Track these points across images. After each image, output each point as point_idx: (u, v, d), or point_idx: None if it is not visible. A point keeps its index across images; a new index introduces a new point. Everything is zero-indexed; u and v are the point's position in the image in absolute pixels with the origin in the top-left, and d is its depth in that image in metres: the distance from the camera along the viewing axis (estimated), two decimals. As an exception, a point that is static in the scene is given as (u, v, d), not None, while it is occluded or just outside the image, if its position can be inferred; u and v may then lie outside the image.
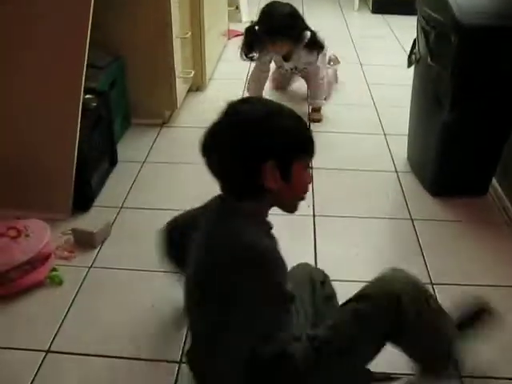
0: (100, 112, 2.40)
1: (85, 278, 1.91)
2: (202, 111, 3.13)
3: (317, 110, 3.15)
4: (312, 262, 1.95)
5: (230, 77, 3.64)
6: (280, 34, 2.94)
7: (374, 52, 4.29)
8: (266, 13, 3.01)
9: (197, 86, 3.40)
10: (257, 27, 3.02)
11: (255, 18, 3.09)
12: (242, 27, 3.36)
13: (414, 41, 2.50)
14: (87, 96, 2.28)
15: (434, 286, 1.89)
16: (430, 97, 2.32)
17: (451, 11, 2.04)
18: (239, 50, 3.11)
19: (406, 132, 2.70)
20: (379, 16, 5.34)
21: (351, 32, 4.83)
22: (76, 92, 2.12)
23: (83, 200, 2.26)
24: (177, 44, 2.85)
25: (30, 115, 2.15)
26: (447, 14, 2.07)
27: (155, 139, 2.85)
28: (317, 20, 4.84)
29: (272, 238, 1.30)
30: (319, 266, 1.94)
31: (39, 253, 1.88)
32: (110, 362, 1.60)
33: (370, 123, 3.09)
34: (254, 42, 3.05)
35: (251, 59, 3.14)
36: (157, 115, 2.97)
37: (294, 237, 2.06)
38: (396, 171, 2.61)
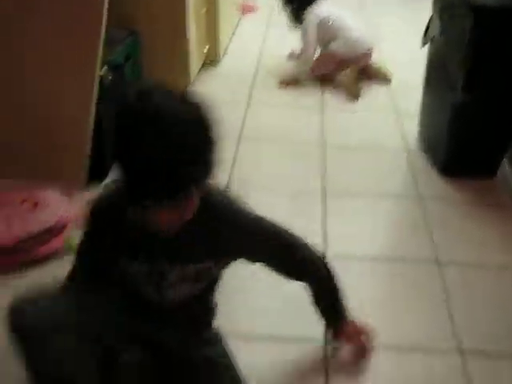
0: (115, 85, 2.43)
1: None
2: (215, 86, 3.16)
3: None
4: (321, 241, 2.00)
5: (243, 52, 3.66)
6: None
7: (389, 31, 4.27)
8: None
9: (211, 61, 3.42)
10: None
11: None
12: (255, 2, 3.37)
13: (429, 20, 2.51)
14: (103, 69, 2.31)
15: (440, 265, 1.93)
16: (443, 77, 2.34)
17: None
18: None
19: (418, 111, 2.72)
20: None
21: (366, 9, 4.81)
22: (92, 65, 2.15)
23: (98, 171, 2.31)
24: (192, 19, 2.87)
25: (47, 88, 2.18)
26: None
27: (169, 112, 2.87)
28: None
29: None
30: (329, 244, 1.99)
31: (56, 222, 1.94)
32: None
33: (382, 102, 3.11)
34: None
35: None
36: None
37: (303, 215, 2.11)
38: (407, 150, 2.64)
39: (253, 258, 1.35)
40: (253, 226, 1.30)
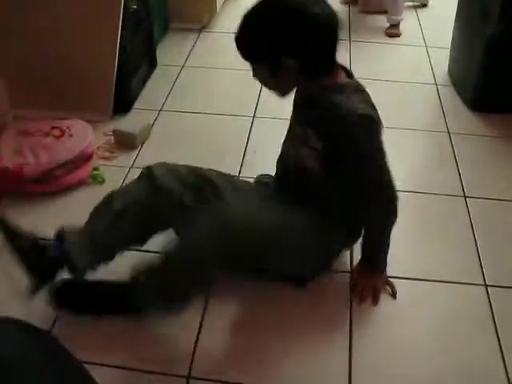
0: (140, 14, 2.39)
1: (125, 178, 1.98)
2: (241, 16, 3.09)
3: (394, 25, 3.07)
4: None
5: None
6: None
7: None
8: None
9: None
10: None
11: None
12: None
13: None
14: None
15: (467, 199, 1.92)
16: (477, 8, 2.25)
17: None
18: None
19: (449, 45, 2.64)
20: None
21: None
22: (117, -5, 2.12)
23: (123, 102, 2.31)
24: None
25: (73, 19, 2.15)
26: None
27: (194, 44, 2.84)
28: None
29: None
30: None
31: (82, 152, 1.95)
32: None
33: (411, 34, 3.03)
34: None
35: None
36: (196, 20, 2.95)
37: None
38: (436, 84, 2.58)
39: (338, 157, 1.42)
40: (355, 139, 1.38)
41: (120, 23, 2.13)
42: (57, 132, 1.99)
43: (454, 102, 2.46)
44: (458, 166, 2.08)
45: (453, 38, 2.61)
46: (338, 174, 1.46)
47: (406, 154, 2.15)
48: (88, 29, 2.16)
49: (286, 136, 1.59)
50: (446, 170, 2.06)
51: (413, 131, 2.27)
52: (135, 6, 2.34)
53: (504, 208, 1.90)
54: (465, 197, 1.93)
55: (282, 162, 1.63)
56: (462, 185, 1.98)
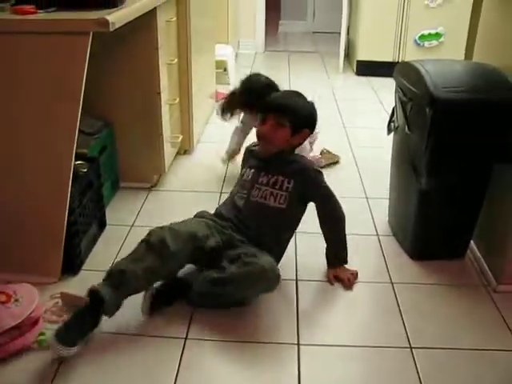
0: (90, 177, 2.49)
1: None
2: (189, 174, 3.24)
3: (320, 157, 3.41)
4: (295, 325, 2.03)
5: (218, 139, 3.74)
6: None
7: (358, 114, 4.46)
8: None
9: (185, 150, 3.52)
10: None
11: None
12: (229, 89, 3.48)
13: (393, 109, 2.63)
14: (78, 162, 2.37)
15: (413, 350, 1.96)
16: (408, 165, 2.43)
17: (426, 85, 2.18)
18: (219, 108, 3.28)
19: (388, 195, 2.81)
20: (363, 78, 5.55)
21: (335, 94, 5.02)
22: (67, 158, 2.18)
23: (72, 264, 2.33)
24: (165, 110, 2.98)
25: (22, 180, 2.22)
26: (422, 88, 2.21)
27: (143, 203, 2.94)
28: (302, 82, 5.06)
29: None
30: (301, 333, 2.02)
31: (28, 317, 1.94)
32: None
33: (352, 186, 3.21)
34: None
35: (225, 120, 3.30)
36: (145, 179, 3.08)
37: (276, 299, 2.15)
38: (377, 234, 2.71)
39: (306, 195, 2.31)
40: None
41: (70, 186, 2.20)
42: (2, 297, 1.98)
43: (395, 252, 2.57)
44: (402, 316, 2.13)
45: (390, 190, 2.79)
46: (297, 205, 2.30)
47: (350, 308, 2.20)
48: (37, 191, 2.22)
49: (241, 188, 2.33)
50: (390, 321, 2.12)
51: (355, 284, 2.35)
52: (85, 170, 2.44)
53: (451, 357, 1.94)
54: (411, 348, 1.97)
55: (236, 207, 2.29)
56: (407, 335, 2.03)
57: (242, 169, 2.47)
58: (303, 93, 2.46)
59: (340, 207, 2.32)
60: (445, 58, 2.53)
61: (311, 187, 2.29)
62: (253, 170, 2.35)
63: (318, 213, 2.33)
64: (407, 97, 2.37)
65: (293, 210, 2.29)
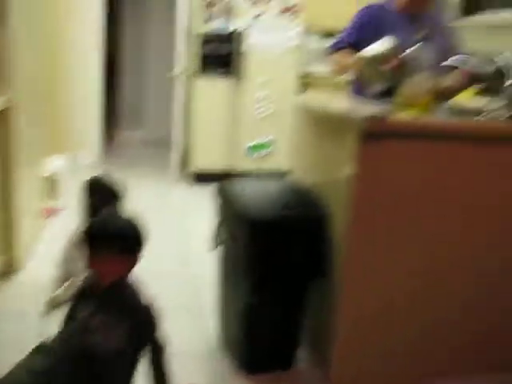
0: None
1: None
2: (14, 296, 3.08)
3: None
4: None
5: (46, 257, 3.60)
6: None
7: (193, 224, 4.53)
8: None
9: (10, 270, 3.36)
10: None
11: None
12: (58, 204, 3.38)
13: (217, 226, 2.72)
14: None
15: None
16: (233, 279, 2.51)
17: (241, 205, 2.31)
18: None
19: (216, 308, 2.84)
20: (199, 187, 5.68)
21: (171, 204, 5.08)
22: None
23: None
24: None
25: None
26: (238, 207, 2.33)
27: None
28: (137, 193, 5.04)
29: None
30: None
31: None
32: None
33: (183, 300, 3.21)
34: None
35: None
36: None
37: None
38: (209, 351, 2.72)
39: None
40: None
41: None
42: None
43: (226, 367, 2.58)
44: None
45: (217, 304, 2.82)
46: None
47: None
48: None
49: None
50: None
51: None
52: None
53: None
54: None
55: None
56: None
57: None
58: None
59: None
60: (261, 179, 2.70)
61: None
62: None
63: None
64: (226, 215, 2.48)
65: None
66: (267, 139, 5.78)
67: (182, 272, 3.60)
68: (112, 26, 7.24)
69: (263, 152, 5.79)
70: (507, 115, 2.46)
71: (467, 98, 3.53)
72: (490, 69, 2.71)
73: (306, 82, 5.87)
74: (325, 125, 2.53)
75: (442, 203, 2.28)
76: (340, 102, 2.73)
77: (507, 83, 2.50)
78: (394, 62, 2.50)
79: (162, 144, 7.26)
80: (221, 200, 2.59)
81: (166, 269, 3.58)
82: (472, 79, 2.95)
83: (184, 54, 5.82)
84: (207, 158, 5.79)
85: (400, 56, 2.43)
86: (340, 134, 2.31)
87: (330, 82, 4.45)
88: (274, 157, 5.78)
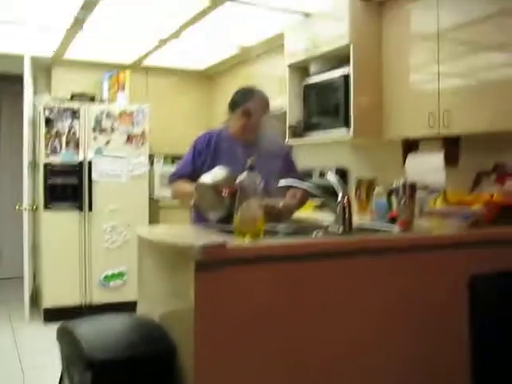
0: None
1: None
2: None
3: None
4: None
5: None
6: None
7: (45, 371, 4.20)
8: None
9: None
10: None
11: None
12: None
13: (61, 374, 2.55)
14: None
15: None
16: None
17: (81, 347, 2.18)
18: None
19: None
20: (52, 325, 5.33)
21: (19, 347, 4.74)
22: None
23: None
24: None
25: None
26: (78, 351, 2.20)
27: None
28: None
29: None
30: None
31: None
32: None
33: None
34: None
35: None
36: None
37: None
38: None
39: None
40: None
41: None
42: None
43: None
44: None
45: None
46: None
47: None
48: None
49: None
50: None
51: None
52: None
53: None
54: None
55: None
56: None
57: None
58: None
59: None
60: (103, 316, 2.58)
61: None
62: None
63: None
64: (68, 363, 2.34)
65: None
66: (121, 269, 5.66)
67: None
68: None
69: (118, 282, 5.65)
70: (340, 230, 2.59)
71: (307, 213, 3.71)
72: (323, 185, 2.88)
73: (156, 206, 5.91)
74: (165, 256, 2.51)
75: (295, 321, 2.29)
76: (179, 232, 2.75)
77: (338, 200, 2.64)
78: (228, 190, 2.60)
79: (12, 280, 6.90)
80: (64, 342, 2.44)
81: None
82: (307, 195, 3.13)
83: (29, 187, 5.66)
84: (60, 293, 5.52)
85: (233, 183, 2.50)
86: (179, 265, 2.30)
87: (176, 207, 4.52)
88: (129, 287, 5.63)
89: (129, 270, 5.64)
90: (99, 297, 5.57)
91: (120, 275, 5.64)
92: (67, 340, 2.37)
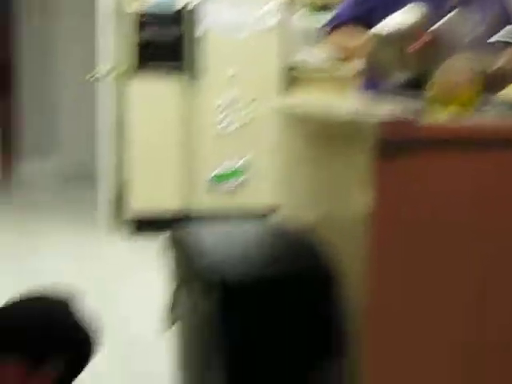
0: None
1: None
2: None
3: None
4: None
5: None
6: None
7: (137, 294, 4.45)
8: None
9: None
10: None
11: None
12: None
13: (172, 294, 2.68)
14: None
15: None
16: (198, 371, 2.47)
17: (204, 264, 2.29)
18: None
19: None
20: (140, 237, 5.61)
21: (99, 265, 5.02)
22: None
23: None
24: None
25: None
26: (200, 268, 2.30)
27: None
28: (48, 254, 4.96)
29: None
30: None
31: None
32: None
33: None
34: None
35: None
36: None
37: None
38: None
39: None
40: None
41: None
42: None
43: None
44: None
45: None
46: None
47: None
48: None
49: None
50: None
51: None
52: None
53: None
54: None
55: None
56: None
57: None
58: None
59: None
60: (232, 222, 2.68)
61: None
62: None
63: None
64: (185, 278, 2.44)
65: None
66: (238, 164, 5.76)
67: (122, 372, 3.54)
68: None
69: (233, 182, 5.77)
70: None
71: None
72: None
73: (293, 77, 5.88)
74: (325, 137, 2.52)
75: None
76: (346, 103, 2.73)
77: None
78: (422, 41, 2.51)
79: (84, 179, 7.20)
80: (176, 256, 2.55)
81: (99, 369, 3.52)
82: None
83: (111, 45, 5.80)
84: (152, 197, 5.74)
85: (430, 31, 2.44)
86: (348, 148, 2.30)
87: (328, 76, 4.48)
88: (249, 189, 5.77)
89: (250, 165, 5.75)
90: (207, 203, 5.72)
91: (237, 173, 5.74)
92: (184, 253, 2.46)
